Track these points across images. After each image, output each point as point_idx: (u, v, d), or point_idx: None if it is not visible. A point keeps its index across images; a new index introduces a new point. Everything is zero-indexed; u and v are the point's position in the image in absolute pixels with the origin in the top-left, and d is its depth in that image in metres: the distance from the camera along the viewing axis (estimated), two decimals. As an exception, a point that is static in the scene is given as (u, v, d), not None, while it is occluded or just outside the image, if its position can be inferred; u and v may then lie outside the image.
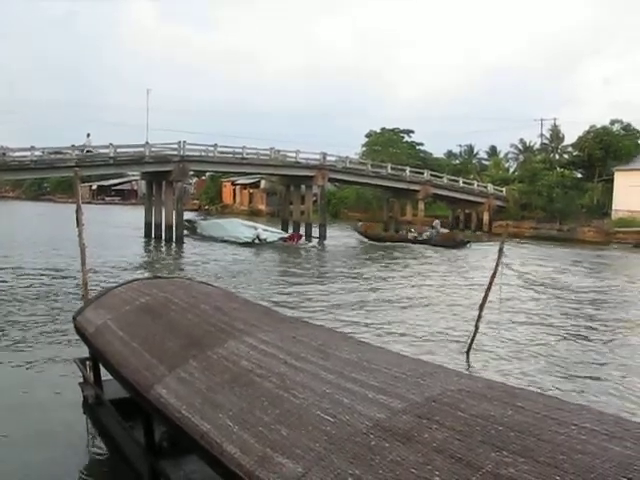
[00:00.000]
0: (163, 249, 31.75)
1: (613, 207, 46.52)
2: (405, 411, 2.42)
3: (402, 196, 46.75)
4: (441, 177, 49.55)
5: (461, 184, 49.61)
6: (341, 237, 40.10)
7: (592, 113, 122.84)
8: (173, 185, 34.86)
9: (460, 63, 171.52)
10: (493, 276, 10.25)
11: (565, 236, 42.04)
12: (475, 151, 75.13)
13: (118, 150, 33.54)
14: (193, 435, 2.90)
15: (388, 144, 62.87)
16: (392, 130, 66.00)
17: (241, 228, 34.94)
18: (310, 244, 36.18)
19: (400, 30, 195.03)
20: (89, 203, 58.88)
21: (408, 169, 46.71)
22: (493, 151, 72.85)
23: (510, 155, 69.38)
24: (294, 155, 40.61)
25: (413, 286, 19.61)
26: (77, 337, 5.92)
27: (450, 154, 74.87)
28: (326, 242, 37.31)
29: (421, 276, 22.22)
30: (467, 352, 10.57)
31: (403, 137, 66.69)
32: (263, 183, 67.14)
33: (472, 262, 27.23)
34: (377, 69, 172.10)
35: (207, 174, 73.99)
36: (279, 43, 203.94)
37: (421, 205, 46.61)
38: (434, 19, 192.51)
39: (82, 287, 8.91)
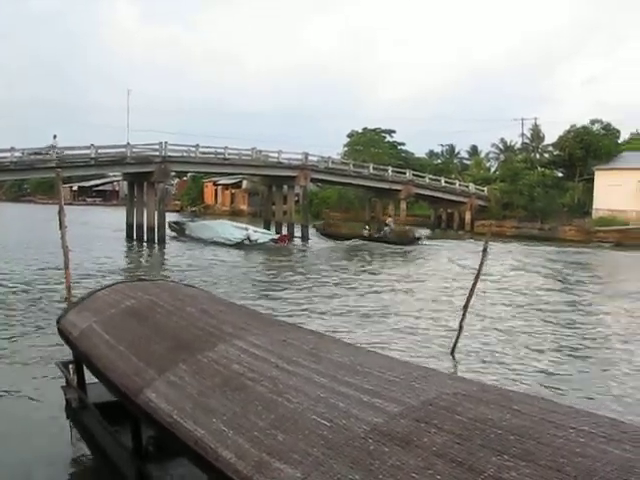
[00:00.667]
0: (144, 251, 31.45)
1: (594, 206, 46.96)
2: (402, 415, 2.40)
3: (384, 196, 46.91)
4: (423, 177, 49.80)
5: (443, 184, 49.92)
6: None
7: (572, 113, 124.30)
8: (155, 186, 34.71)
9: (444, 62, 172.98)
10: (477, 277, 10.28)
11: (546, 235, 42.46)
12: (456, 151, 75.82)
13: (99, 151, 33.20)
14: (186, 440, 2.85)
15: (370, 144, 62.78)
16: (374, 130, 66.00)
17: (231, 229, 34.67)
18: (295, 245, 36.07)
19: (383, 30, 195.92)
20: (70, 204, 57.86)
21: (390, 169, 46.89)
22: (474, 151, 73.36)
23: (491, 155, 70.10)
24: (276, 155, 40.56)
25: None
26: (59, 340, 5.82)
27: (432, 154, 75.38)
28: (310, 242, 37.25)
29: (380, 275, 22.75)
30: (452, 353, 10.57)
31: (385, 137, 66.74)
32: (245, 183, 66.98)
33: (418, 258, 29.44)
34: (360, 70, 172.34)
35: (189, 175, 73.70)
36: (262, 44, 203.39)
37: (403, 205, 46.82)
38: (417, 20, 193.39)
39: (65, 290, 8.81)
